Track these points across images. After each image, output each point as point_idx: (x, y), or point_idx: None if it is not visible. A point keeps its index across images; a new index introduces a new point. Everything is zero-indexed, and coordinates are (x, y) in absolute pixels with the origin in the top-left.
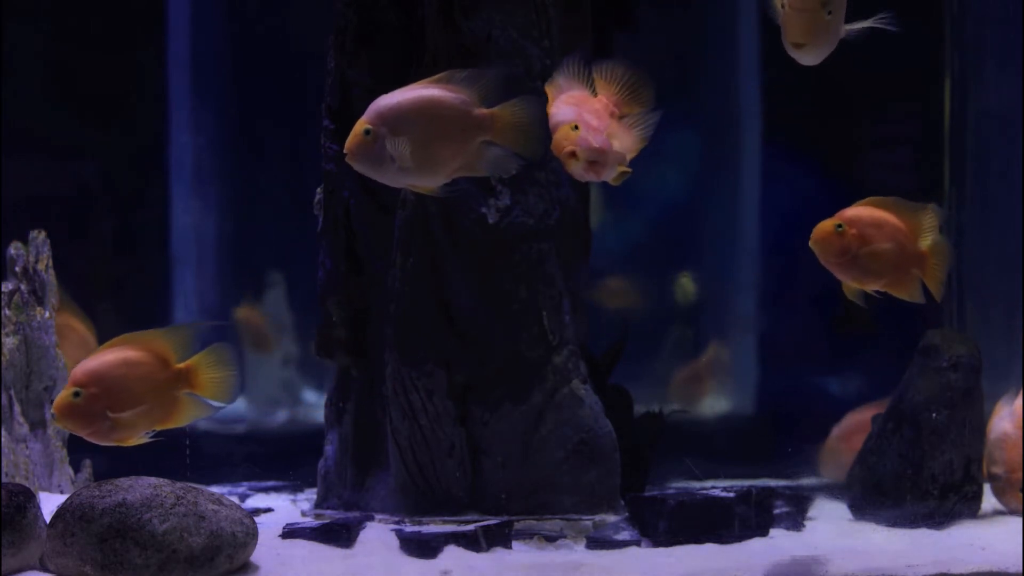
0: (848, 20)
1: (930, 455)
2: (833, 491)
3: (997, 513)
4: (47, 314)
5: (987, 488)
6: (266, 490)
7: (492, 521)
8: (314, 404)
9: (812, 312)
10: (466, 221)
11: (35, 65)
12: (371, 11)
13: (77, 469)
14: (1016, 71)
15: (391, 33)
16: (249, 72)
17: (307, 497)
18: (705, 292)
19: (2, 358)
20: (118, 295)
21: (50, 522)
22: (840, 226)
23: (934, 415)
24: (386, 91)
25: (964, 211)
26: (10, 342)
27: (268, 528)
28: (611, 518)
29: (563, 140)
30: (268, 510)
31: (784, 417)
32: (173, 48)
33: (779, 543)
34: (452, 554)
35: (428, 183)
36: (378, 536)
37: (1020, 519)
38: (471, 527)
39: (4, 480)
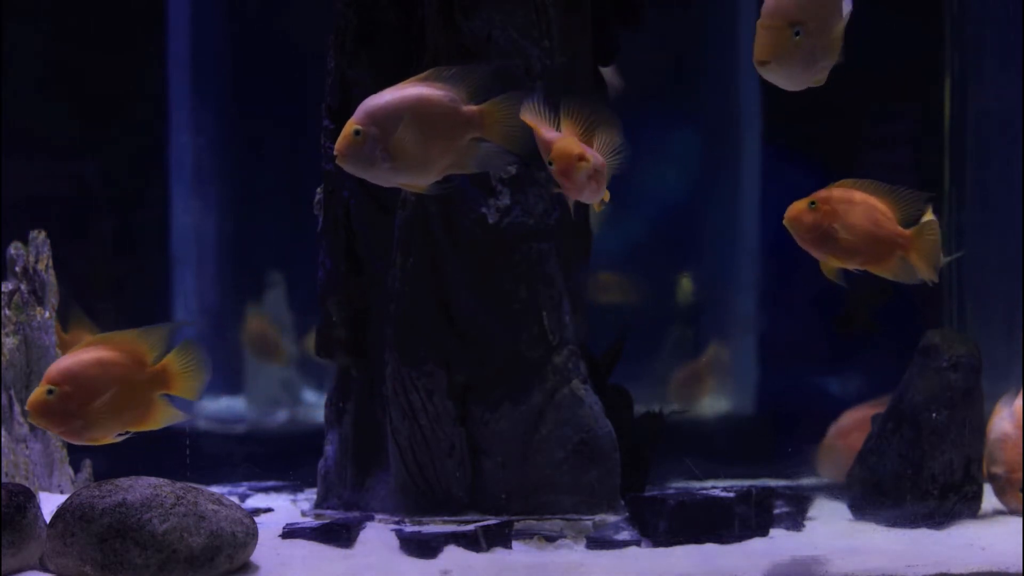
0: (849, 21)
1: (930, 455)
2: (833, 491)
3: (997, 513)
4: (47, 314)
5: (987, 488)
6: (266, 490)
7: (492, 521)
8: (314, 404)
9: (812, 312)
10: (466, 221)
11: (35, 65)
12: (371, 11)
13: (77, 469)
14: (1016, 71)
15: (391, 33)
16: (249, 72)
17: (307, 497)
18: (705, 292)
19: (2, 358)
20: (118, 295)
21: (50, 522)
22: (813, 203)
23: (934, 415)
24: None
25: (964, 211)
26: (10, 342)
27: (268, 528)
28: (611, 518)
29: (572, 146)
30: (268, 510)
31: (784, 417)
32: (173, 48)
33: (779, 543)
34: (452, 554)
35: (419, 181)
36: (378, 536)
37: (1020, 519)
38: (471, 527)
39: (4, 480)
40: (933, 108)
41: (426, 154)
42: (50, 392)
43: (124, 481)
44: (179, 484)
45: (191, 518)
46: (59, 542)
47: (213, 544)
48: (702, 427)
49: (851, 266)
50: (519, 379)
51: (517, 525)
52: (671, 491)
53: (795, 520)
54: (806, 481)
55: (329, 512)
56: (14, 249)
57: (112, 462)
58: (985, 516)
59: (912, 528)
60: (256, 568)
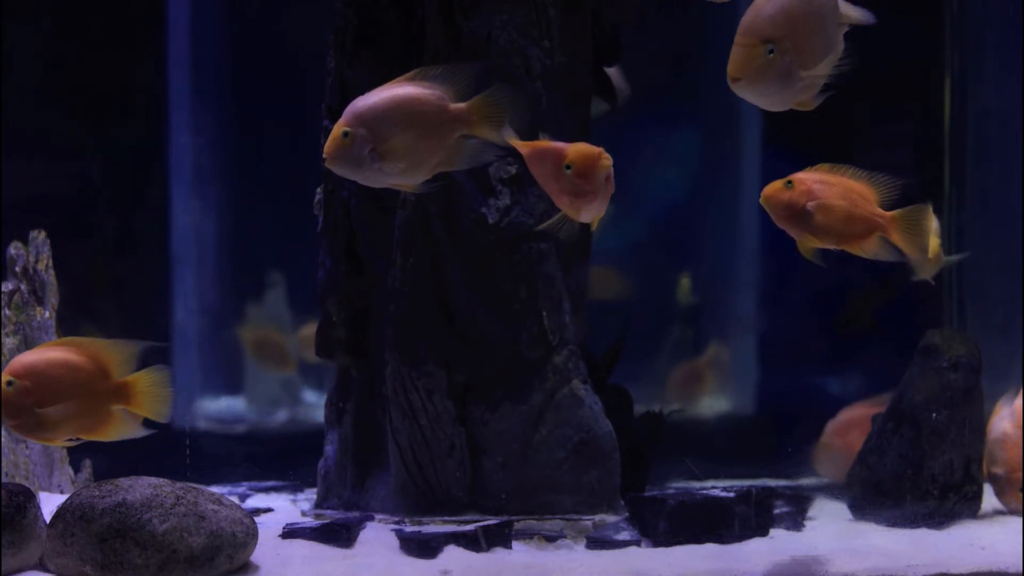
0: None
1: (930, 455)
2: (833, 491)
3: (997, 513)
4: (47, 314)
5: (987, 488)
6: (266, 490)
7: (492, 521)
8: (314, 404)
9: (812, 312)
10: (466, 221)
11: (35, 65)
12: (371, 11)
13: (77, 469)
14: (1016, 71)
15: (391, 33)
16: (249, 72)
17: (307, 497)
18: (705, 292)
19: (2, 358)
20: (118, 295)
21: (50, 522)
22: (789, 183)
23: (934, 415)
24: None
25: (964, 211)
26: (10, 342)
27: (268, 528)
28: (611, 518)
29: (589, 147)
30: (268, 510)
31: (784, 417)
32: (173, 48)
33: (779, 543)
34: (452, 554)
35: (409, 181)
36: (378, 536)
37: (1020, 519)
38: (471, 527)
39: (4, 480)
40: (933, 108)
41: (415, 153)
42: (9, 384)
43: (124, 481)
44: (179, 484)
45: (191, 518)
46: (59, 542)
47: (213, 544)
48: (702, 427)
49: (827, 245)
50: (519, 379)
51: (517, 525)
52: (671, 491)
53: (795, 520)
54: (806, 481)
55: (329, 512)
56: (14, 249)
57: (112, 462)
58: (985, 516)
59: (912, 528)
60: (256, 568)
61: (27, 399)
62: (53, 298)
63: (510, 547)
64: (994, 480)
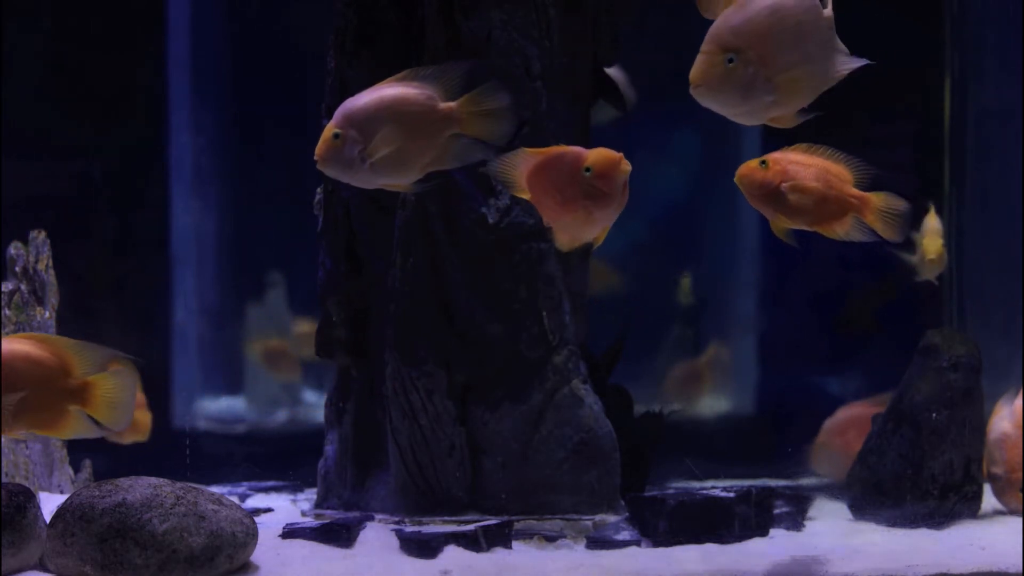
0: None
1: (930, 455)
2: (833, 491)
3: (997, 513)
4: (47, 314)
5: (987, 488)
6: (266, 490)
7: (492, 521)
8: (314, 404)
9: (812, 312)
10: (466, 221)
11: (35, 65)
12: (371, 11)
13: (77, 469)
14: (1016, 71)
15: (391, 33)
16: (249, 72)
17: (307, 497)
18: (705, 292)
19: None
20: (118, 295)
21: (50, 522)
22: (764, 162)
23: (934, 415)
24: None
25: (964, 211)
26: None
27: (268, 528)
28: (611, 518)
29: (610, 151)
30: (268, 510)
31: (784, 417)
32: (173, 48)
33: (779, 543)
34: (452, 554)
35: (400, 181)
36: (378, 536)
37: (1020, 519)
38: (471, 527)
39: (4, 480)
40: (933, 107)
41: (406, 154)
42: None
43: (124, 481)
44: (179, 484)
45: (191, 518)
46: (59, 542)
47: (213, 544)
48: (702, 427)
49: (801, 226)
50: (519, 379)
51: (517, 525)
52: (671, 491)
53: (795, 520)
54: (806, 481)
55: (329, 512)
56: (14, 249)
57: (112, 462)
58: (985, 516)
59: (912, 528)
60: (256, 568)
61: None
62: (53, 298)
63: (510, 547)
64: (994, 480)
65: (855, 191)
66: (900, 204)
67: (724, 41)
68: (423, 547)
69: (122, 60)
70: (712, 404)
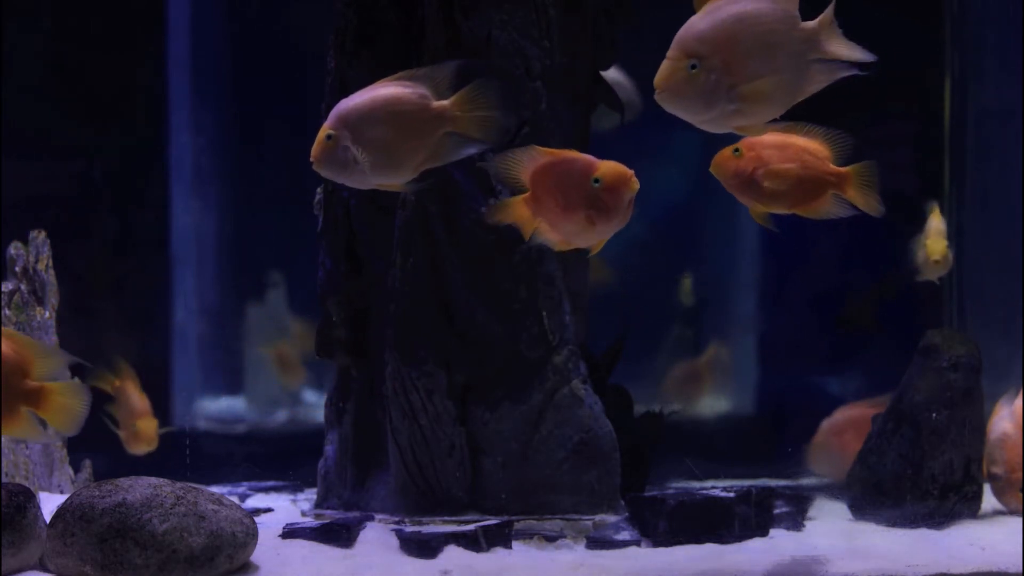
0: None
1: (930, 455)
2: (833, 491)
3: (997, 513)
4: (47, 314)
5: (987, 488)
6: (266, 490)
7: (492, 521)
8: (314, 404)
9: (812, 312)
10: (466, 221)
11: (35, 65)
12: (371, 11)
13: (77, 469)
14: (1016, 71)
15: (391, 33)
16: (249, 72)
17: (307, 497)
18: (705, 292)
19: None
20: (118, 295)
21: (50, 522)
22: (737, 150)
23: (934, 415)
24: None
25: (964, 211)
26: None
27: (268, 528)
28: (611, 518)
29: (621, 166)
30: (268, 510)
31: (784, 417)
32: (173, 48)
33: (779, 543)
34: (452, 554)
35: (395, 181)
36: (378, 536)
37: (1020, 519)
38: (471, 527)
39: (4, 480)
40: (933, 107)
41: (400, 153)
42: None
43: (124, 481)
44: (179, 484)
45: (191, 518)
46: (59, 542)
47: (213, 544)
48: (702, 427)
49: (781, 210)
50: (519, 379)
51: (517, 525)
52: (671, 491)
53: (795, 520)
54: (806, 481)
55: (329, 512)
56: (14, 249)
57: (112, 462)
58: (985, 516)
59: (912, 528)
60: (256, 568)
61: None
62: (53, 298)
63: (510, 547)
64: (994, 480)
65: (832, 168)
66: (873, 170)
67: (687, 47)
68: (423, 547)
69: (122, 60)
70: (712, 404)
